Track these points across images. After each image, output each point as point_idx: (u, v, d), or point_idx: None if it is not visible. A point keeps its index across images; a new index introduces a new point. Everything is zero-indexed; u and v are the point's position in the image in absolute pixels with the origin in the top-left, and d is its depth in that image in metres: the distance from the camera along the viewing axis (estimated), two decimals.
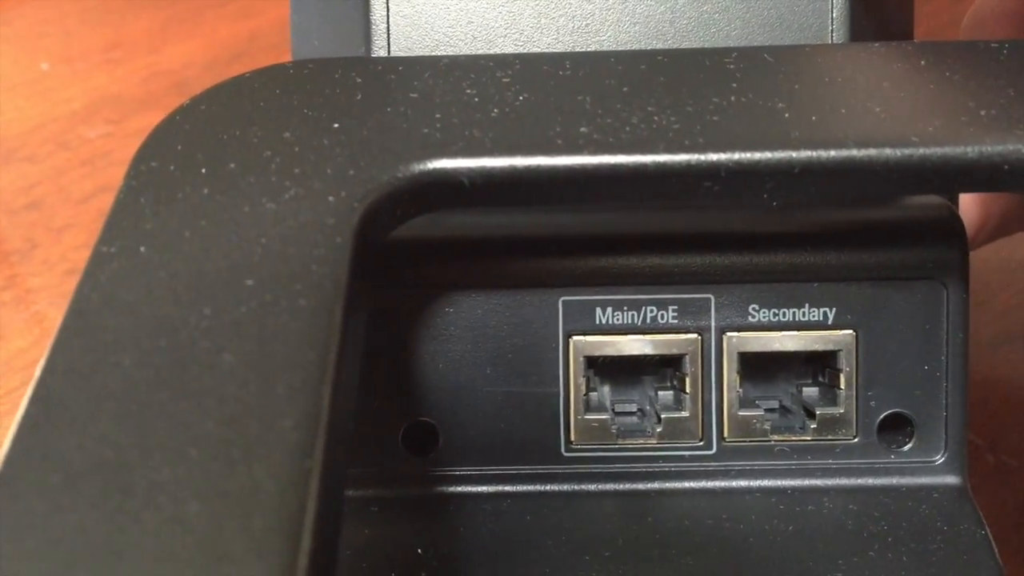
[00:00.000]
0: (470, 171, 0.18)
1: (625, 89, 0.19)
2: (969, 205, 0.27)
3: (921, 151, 0.18)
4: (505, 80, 0.19)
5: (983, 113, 0.18)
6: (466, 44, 0.23)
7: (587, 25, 0.23)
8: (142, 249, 0.17)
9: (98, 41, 0.44)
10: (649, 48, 0.22)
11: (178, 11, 0.45)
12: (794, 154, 0.18)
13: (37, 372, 0.15)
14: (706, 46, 0.22)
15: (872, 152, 0.18)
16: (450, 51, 0.23)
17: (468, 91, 0.19)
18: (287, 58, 0.43)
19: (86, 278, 0.16)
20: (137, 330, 0.15)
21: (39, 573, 0.13)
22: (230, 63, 0.42)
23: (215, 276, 0.16)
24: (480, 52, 0.22)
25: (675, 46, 0.22)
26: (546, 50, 0.23)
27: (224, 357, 0.15)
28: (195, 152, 0.18)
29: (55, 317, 0.34)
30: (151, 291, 0.16)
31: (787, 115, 0.18)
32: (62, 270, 0.36)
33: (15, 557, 0.13)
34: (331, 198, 0.17)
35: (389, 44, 0.22)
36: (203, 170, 0.18)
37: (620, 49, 0.22)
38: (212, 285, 0.16)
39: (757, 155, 0.18)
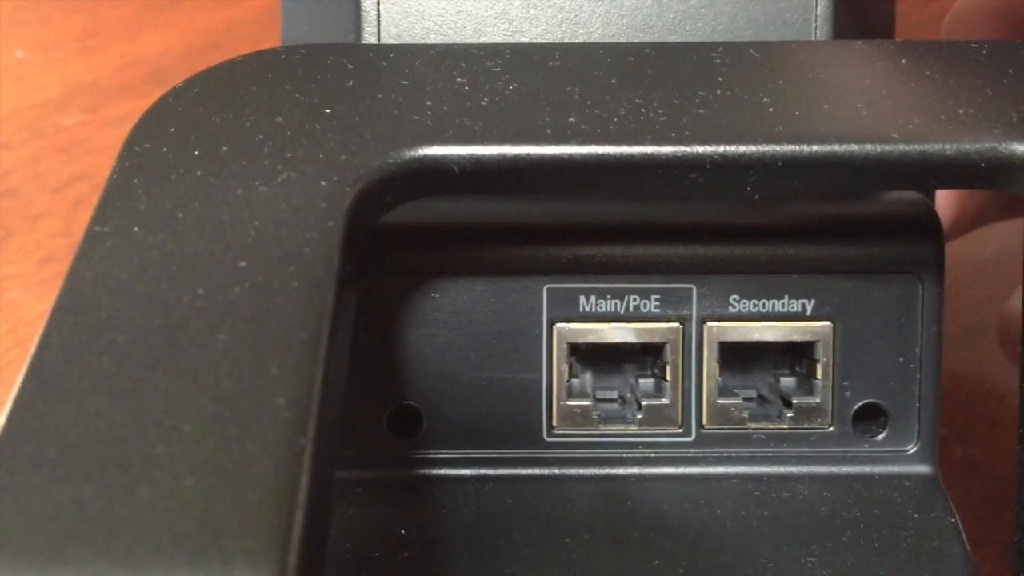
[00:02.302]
0: (460, 158, 0.18)
1: (613, 81, 0.19)
2: (946, 199, 0.27)
3: (901, 147, 0.18)
4: (495, 70, 0.20)
5: (962, 112, 0.19)
6: (455, 32, 0.23)
7: (575, 16, 0.23)
8: (135, 229, 0.17)
9: (74, 28, 0.44)
10: (636, 40, 0.23)
11: None
12: (778, 148, 0.18)
13: (32, 349, 0.15)
14: (692, 40, 0.23)
15: (853, 147, 0.18)
16: (439, 39, 0.23)
17: (459, 79, 0.19)
18: (265, 47, 0.43)
19: (80, 257, 0.16)
20: (131, 309, 0.16)
21: (37, 545, 0.13)
22: (207, 52, 0.42)
23: (208, 257, 0.16)
24: (469, 41, 0.23)
25: (661, 39, 0.23)
26: (535, 40, 0.23)
27: (218, 336, 0.15)
28: (188, 134, 0.18)
29: (31, 305, 0.34)
30: (145, 271, 0.16)
31: (771, 110, 0.19)
32: (38, 258, 0.36)
33: (13, 529, 0.13)
34: (323, 182, 0.18)
35: (379, 31, 0.23)
36: (196, 152, 0.18)
37: (607, 41, 0.23)
38: (206, 266, 0.16)
39: (742, 148, 0.18)
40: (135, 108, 0.41)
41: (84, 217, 0.37)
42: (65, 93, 0.41)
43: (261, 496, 0.14)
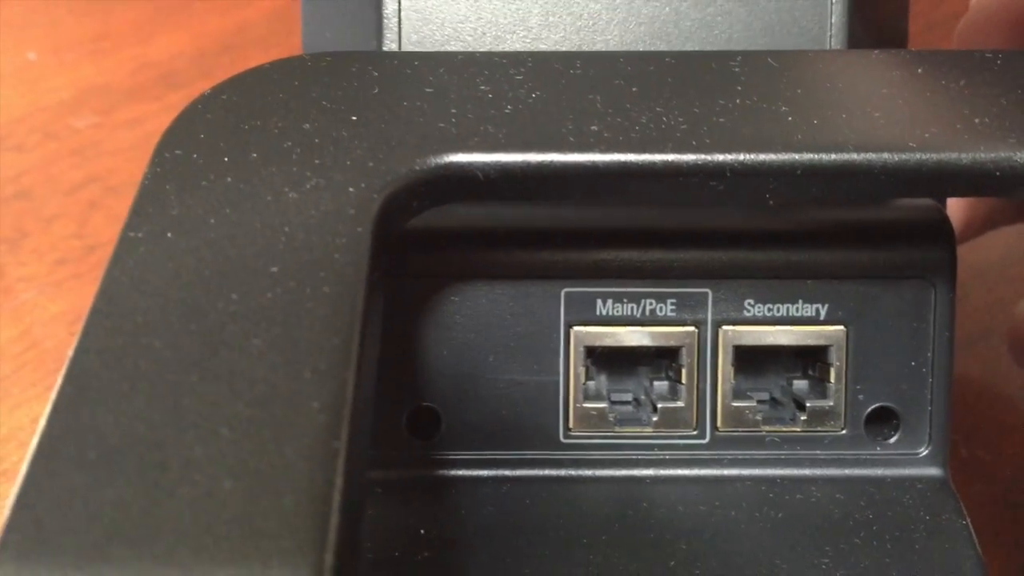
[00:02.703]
0: (485, 165, 0.19)
1: (634, 89, 0.20)
2: (956, 203, 0.28)
3: (917, 156, 0.19)
4: (518, 78, 0.20)
5: (977, 121, 0.19)
6: (475, 39, 0.23)
7: (593, 24, 0.23)
8: (169, 235, 0.17)
9: (86, 31, 0.44)
10: (653, 48, 0.23)
11: (166, 3, 0.45)
12: (797, 156, 0.19)
13: (70, 352, 0.16)
14: (709, 48, 0.23)
15: (871, 156, 0.19)
16: (459, 46, 0.23)
17: (482, 87, 0.20)
18: (276, 51, 0.43)
19: (115, 262, 0.17)
20: (167, 313, 0.16)
21: (80, 544, 0.13)
22: (218, 55, 0.42)
23: (241, 262, 0.17)
24: (489, 48, 0.23)
25: (678, 47, 0.23)
26: (553, 47, 0.23)
27: (252, 341, 0.16)
28: (218, 141, 0.19)
29: (45, 306, 0.34)
30: (179, 276, 0.16)
31: (790, 118, 0.19)
32: (52, 259, 0.36)
33: (57, 529, 0.13)
34: (351, 189, 0.18)
35: (400, 38, 0.23)
36: (226, 159, 0.18)
37: (626, 49, 0.23)
38: (238, 271, 0.17)
39: (762, 156, 0.19)
40: (147, 111, 0.41)
41: (98, 219, 0.37)
42: (77, 96, 0.41)
43: (298, 498, 0.14)
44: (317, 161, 0.18)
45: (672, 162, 0.19)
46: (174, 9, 0.45)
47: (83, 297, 0.35)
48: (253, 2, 0.45)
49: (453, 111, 0.19)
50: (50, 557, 0.13)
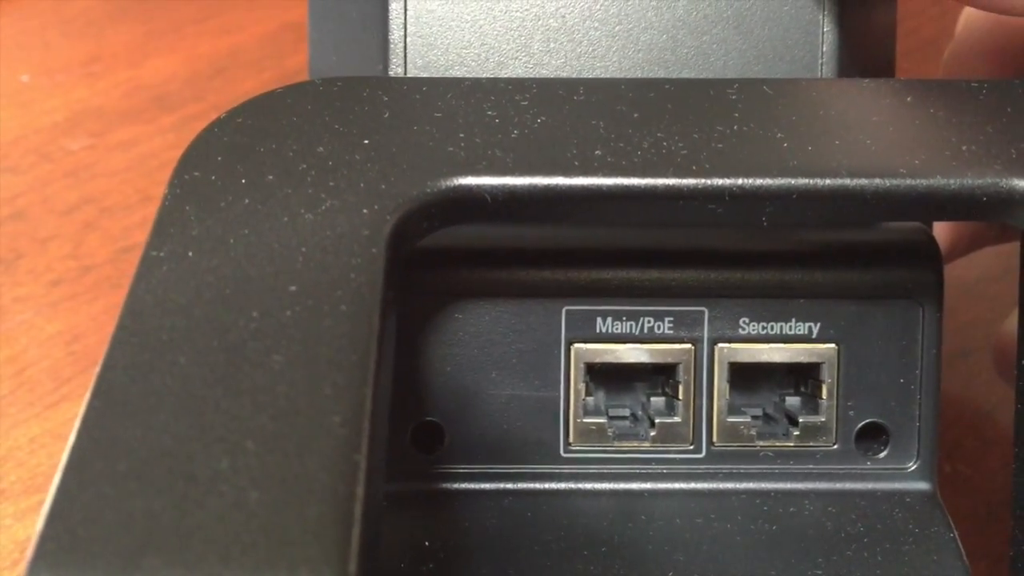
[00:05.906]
0: (493, 188, 0.19)
1: (636, 115, 0.20)
2: (942, 225, 0.29)
3: (908, 182, 0.19)
4: (523, 103, 0.21)
5: (964, 148, 0.20)
6: (478, 65, 0.24)
7: (593, 51, 0.24)
8: (190, 254, 0.18)
9: (78, 54, 0.44)
10: (651, 74, 0.24)
11: (158, 26, 0.45)
12: (792, 181, 0.19)
13: (97, 368, 0.16)
14: (704, 75, 0.24)
15: (863, 181, 0.19)
16: (463, 71, 0.24)
17: (489, 112, 0.20)
18: (268, 74, 0.44)
19: (138, 280, 0.17)
20: (190, 331, 0.16)
21: (113, 554, 0.14)
22: (211, 78, 0.43)
23: (260, 281, 0.17)
24: (492, 73, 0.24)
25: (675, 74, 0.24)
26: (554, 73, 0.24)
27: (274, 357, 0.16)
28: (234, 163, 0.19)
29: (41, 327, 0.35)
30: (201, 294, 0.17)
31: (786, 144, 0.20)
32: (47, 280, 0.36)
33: (89, 539, 0.14)
34: (365, 210, 0.18)
35: (406, 62, 0.24)
36: (243, 181, 0.19)
37: (624, 75, 0.24)
38: (258, 290, 0.17)
39: (759, 181, 0.19)
40: (140, 133, 0.42)
41: (93, 240, 0.38)
42: (71, 118, 0.42)
43: (322, 508, 0.14)
44: (331, 183, 0.19)
45: (673, 186, 0.19)
46: (166, 32, 0.45)
47: (79, 318, 0.35)
48: (245, 26, 0.45)
49: (461, 135, 0.20)
50: (83, 565, 0.14)
